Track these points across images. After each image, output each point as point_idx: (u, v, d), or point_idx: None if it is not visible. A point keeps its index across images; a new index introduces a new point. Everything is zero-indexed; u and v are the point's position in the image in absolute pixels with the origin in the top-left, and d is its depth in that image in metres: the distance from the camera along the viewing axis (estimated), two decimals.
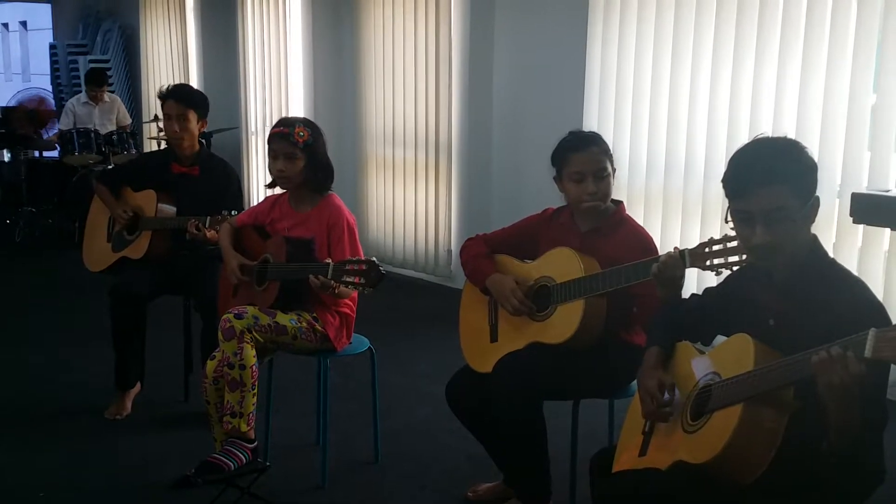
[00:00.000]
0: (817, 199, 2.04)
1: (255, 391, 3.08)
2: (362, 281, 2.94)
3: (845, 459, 1.87)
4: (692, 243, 2.59)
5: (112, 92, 9.19)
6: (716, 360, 2.12)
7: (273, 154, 3.30)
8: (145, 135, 9.21)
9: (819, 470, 1.93)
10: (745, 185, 2.02)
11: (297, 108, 7.60)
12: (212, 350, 3.20)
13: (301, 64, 7.62)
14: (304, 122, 3.34)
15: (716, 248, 2.36)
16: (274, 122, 3.46)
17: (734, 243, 2.30)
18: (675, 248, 2.46)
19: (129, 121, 8.65)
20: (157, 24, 9.96)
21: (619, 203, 2.92)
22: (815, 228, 2.09)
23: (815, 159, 2.06)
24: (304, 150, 3.27)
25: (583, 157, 2.81)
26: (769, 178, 1.99)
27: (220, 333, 3.07)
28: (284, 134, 3.26)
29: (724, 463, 1.91)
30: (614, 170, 2.87)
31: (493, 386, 2.77)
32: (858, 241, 4.09)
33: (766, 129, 4.19)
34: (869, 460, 1.98)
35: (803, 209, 2.01)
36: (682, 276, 2.44)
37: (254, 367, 3.06)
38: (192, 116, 3.89)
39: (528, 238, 3.00)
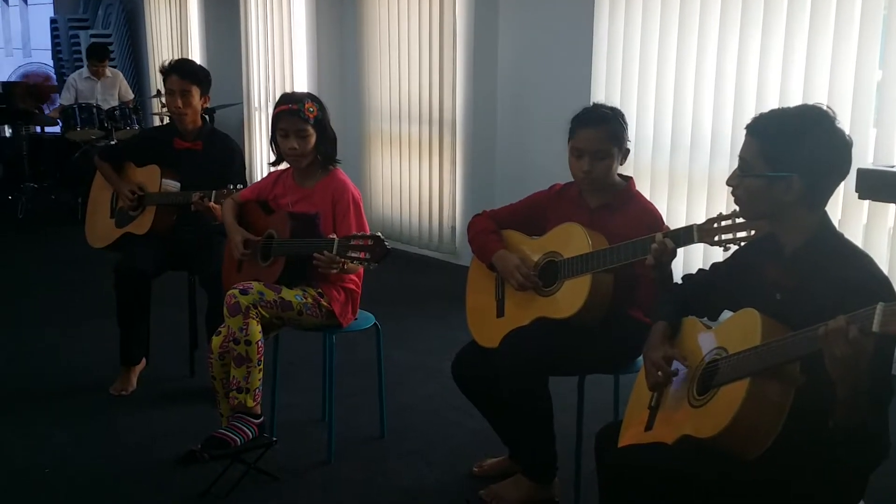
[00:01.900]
0: (797, 181, 2.00)
1: (261, 367, 3.09)
2: (367, 256, 2.94)
3: (852, 435, 1.88)
4: (698, 220, 2.59)
5: (114, 67, 9.15)
6: (723, 334, 2.12)
7: (283, 132, 3.25)
8: (148, 110, 9.18)
9: (824, 444, 1.94)
10: (746, 127, 2.10)
11: (301, 84, 7.57)
12: (217, 326, 3.20)
13: (304, 39, 7.58)
14: (311, 97, 3.31)
15: (724, 223, 2.36)
16: (277, 98, 3.42)
17: (742, 219, 2.30)
18: (664, 229, 2.51)
19: (131, 96, 8.63)
20: None
21: (628, 179, 2.91)
22: None
23: (829, 147, 2.01)
24: (314, 126, 3.25)
25: (586, 135, 2.79)
26: (750, 128, 2.08)
27: (225, 309, 3.07)
28: (294, 111, 3.22)
29: (731, 437, 1.92)
30: (627, 151, 2.84)
31: (499, 361, 2.78)
32: (864, 217, 4.09)
33: (773, 106, 4.17)
34: (874, 434, 1.99)
35: (768, 176, 2.01)
36: (673, 258, 2.50)
37: (259, 343, 3.06)
38: (195, 92, 3.87)
39: (536, 214, 2.99)
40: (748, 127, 2.09)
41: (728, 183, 2.14)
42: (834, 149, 2.01)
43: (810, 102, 2.12)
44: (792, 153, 2.00)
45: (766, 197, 2.05)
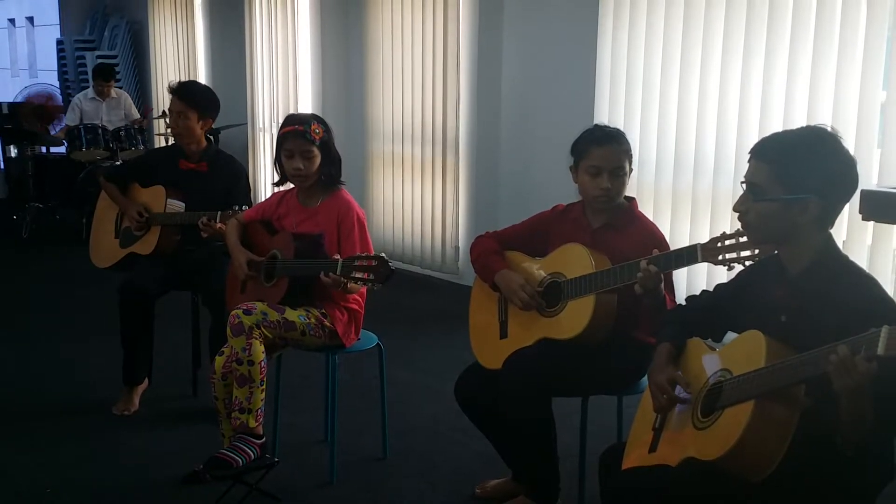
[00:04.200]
0: (814, 202, 2.00)
1: (264, 387, 3.08)
2: (371, 277, 2.93)
3: (860, 451, 1.86)
4: (702, 240, 2.59)
5: (120, 87, 9.20)
6: (727, 356, 2.11)
7: (288, 153, 3.26)
8: (152, 130, 9.22)
9: (830, 466, 1.93)
10: (750, 152, 2.09)
11: (306, 105, 7.60)
12: (220, 346, 3.20)
13: (309, 60, 7.62)
14: (317, 119, 3.32)
15: (728, 243, 2.36)
16: (282, 119, 3.44)
17: (745, 238, 2.30)
18: (646, 259, 2.52)
19: (137, 115, 8.65)
20: (165, 19, 9.98)
21: (631, 199, 2.92)
22: None
23: (840, 165, 2.02)
24: (320, 148, 3.26)
25: (603, 153, 2.80)
26: (757, 153, 2.07)
27: (228, 329, 3.07)
28: (300, 132, 3.23)
29: (735, 459, 1.91)
30: (632, 170, 2.86)
31: (502, 382, 2.77)
32: (868, 239, 4.08)
33: (776, 127, 4.17)
34: (881, 456, 1.98)
35: (786, 198, 2.00)
36: (661, 281, 2.53)
37: (262, 363, 3.06)
38: (192, 115, 3.87)
39: (538, 234, 2.99)
40: (754, 152, 2.08)
41: (736, 208, 2.11)
42: (845, 167, 2.02)
43: (814, 123, 2.12)
44: (807, 174, 2.00)
45: (781, 220, 2.04)
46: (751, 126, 4.45)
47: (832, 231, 2.09)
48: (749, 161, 2.10)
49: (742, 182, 2.12)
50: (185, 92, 3.91)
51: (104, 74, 8.38)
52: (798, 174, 2.00)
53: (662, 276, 2.53)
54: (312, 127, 3.25)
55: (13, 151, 9.18)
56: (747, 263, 2.31)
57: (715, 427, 2.00)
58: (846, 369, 1.72)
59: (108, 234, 4.19)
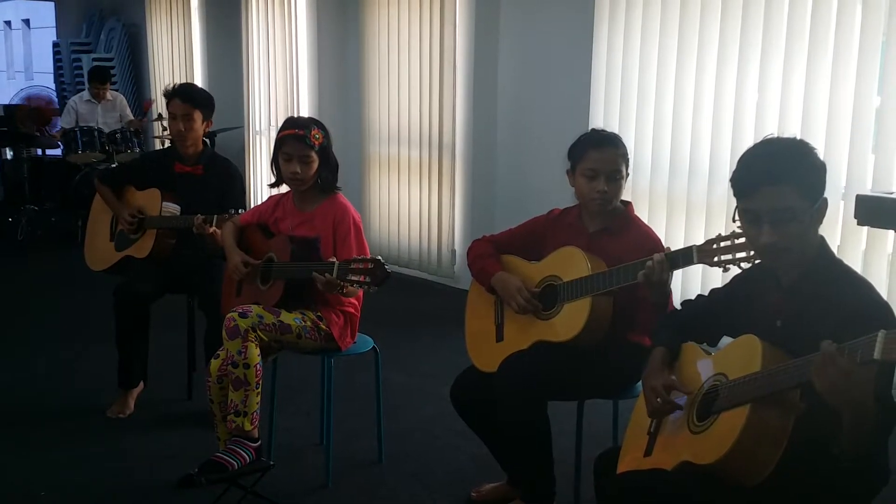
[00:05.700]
0: (825, 200, 2.03)
1: (259, 390, 3.08)
2: (368, 280, 2.94)
3: (858, 461, 1.86)
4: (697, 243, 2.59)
5: (116, 90, 9.19)
6: (723, 361, 2.12)
7: (286, 156, 3.26)
8: (149, 133, 9.21)
9: (825, 471, 1.92)
10: (752, 184, 2.02)
11: (302, 108, 7.59)
12: (215, 349, 3.19)
13: (306, 63, 7.62)
14: (317, 124, 3.32)
15: (723, 244, 2.36)
16: (279, 122, 3.44)
17: (742, 240, 2.30)
18: (666, 249, 2.50)
19: (132, 117, 8.63)
20: (161, 22, 9.97)
21: (627, 204, 2.92)
22: (820, 230, 2.09)
23: (820, 159, 2.05)
24: (318, 153, 3.26)
25: (600, 156, 2.81)
26: (776, 178, 1.99)
27: (224, 332, 3.06)
28: (300, 136, 3.23)
29: (731, 464, 1.91)
30: (628, 174, 2.87)
31: (498, 386, 2.77)
32: (863, 243, 4.10)
33: (772, 131, 4.17)
34: (875, 461, 1.97)
35: (811, 210, 2.00)
36: (669, 279, 2.50)
37: (258, 366, 3.06)
38: (197, 116, 3.87)
39: (535, 238, 3.00)
40: (773, 177, 1.99)
41: (769, 241, 2.01)
42: (819, 158, 2.06)
43: (808, 129, 2.13)
44: (818, 178, 2.02)
45: (812, 229, 2.04)
46: (746, 130, 4.46)
47: (825, 236, 2.10)
48: (763, 190, 1.99)
49: (735, 220, 2.07)
50: (189, 93, 3.92)
51: (100, 76, 8.37)
52: (814, 182, 2.01)
53: (670, 275, 2.52)
54: (312, 132, 3.24)
55: (9, 154, 9.17)
56: (743, 265, 2.31)
57: (710, 431, 2.00)
58: (826, 364, 1.71)
59: (103, 237, 4.18)
